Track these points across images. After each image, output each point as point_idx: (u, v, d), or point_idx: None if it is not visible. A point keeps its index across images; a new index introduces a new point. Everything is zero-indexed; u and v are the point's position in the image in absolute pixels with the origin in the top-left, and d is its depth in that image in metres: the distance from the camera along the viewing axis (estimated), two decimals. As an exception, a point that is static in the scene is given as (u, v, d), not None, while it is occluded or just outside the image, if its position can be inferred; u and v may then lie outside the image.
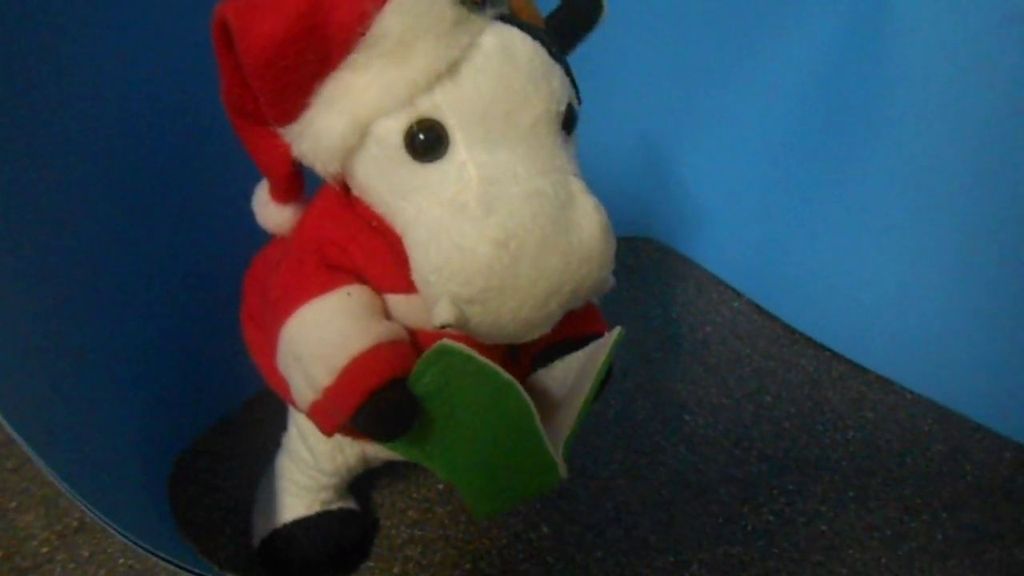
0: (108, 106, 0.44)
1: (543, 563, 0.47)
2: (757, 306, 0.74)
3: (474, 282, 0.28)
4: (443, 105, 0.29)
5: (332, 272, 0.34)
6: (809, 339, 0.69)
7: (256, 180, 0.39)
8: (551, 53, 0.32)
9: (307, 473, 0.44)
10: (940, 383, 0.62)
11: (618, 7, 0.37)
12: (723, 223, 0.79)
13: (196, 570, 0.36)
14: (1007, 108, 0.54)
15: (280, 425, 0.46)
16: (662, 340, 0.69)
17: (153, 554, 0.35)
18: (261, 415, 0.57)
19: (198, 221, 0.51)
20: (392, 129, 0.30)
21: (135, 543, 0.35)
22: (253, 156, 0.35)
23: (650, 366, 0.65)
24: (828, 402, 0.62)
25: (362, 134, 0.30)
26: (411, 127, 0.30)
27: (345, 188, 0.34)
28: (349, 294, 0.33)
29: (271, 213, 0.38)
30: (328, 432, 0.33)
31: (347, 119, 0.30)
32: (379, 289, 0.34)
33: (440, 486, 0.52)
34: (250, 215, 0.39)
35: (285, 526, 0.45)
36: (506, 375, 0.31)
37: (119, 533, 0.35)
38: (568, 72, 0.33)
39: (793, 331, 0.71)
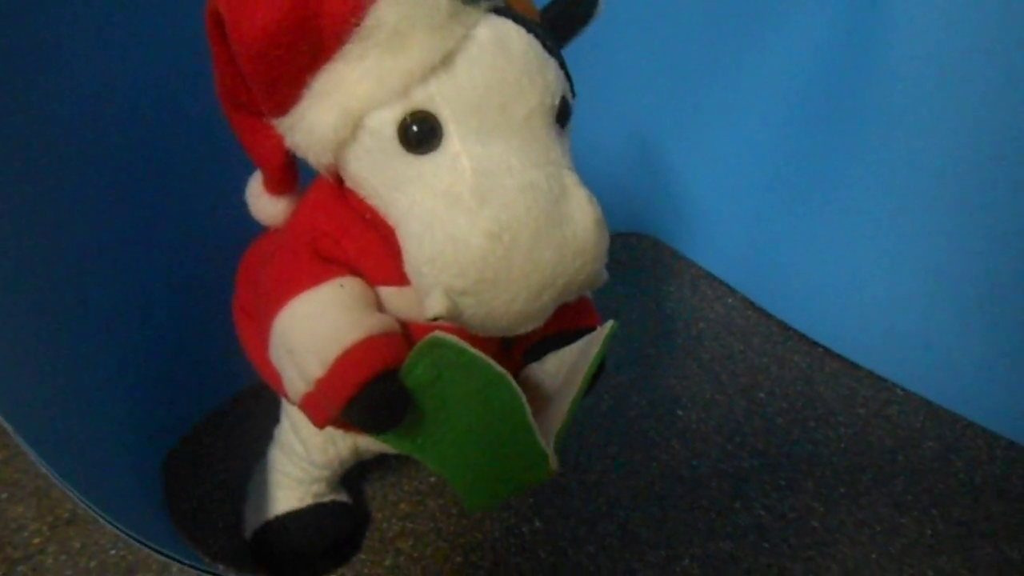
0: (98, 99, 0.44)
1: (535, 557, 0.47)
2: (751, 303, 0.74)
3: (467, 274, 0.28)
4: (437, 97, 0.29)
5: (325, 264, 0.34)
6: (802, 336, 0.70)
7: (249, 172, 0.39)
8: (546, 46, 0.32)
9: (299, 465, 0.44)
10: (931, 380, 0.62)
11: (614, 2, 0.37)
12: (717, 219, 0.79)
13: (187, 561, 0.36)
14: (1001, 108, 0.54)
15: (272, 417, 0.46)
16: (656, 336, 0.69)
17: (145, 545, 0.35)
18: (253, 407, 0.57)
19: (190, 213, 0.51)
20: (386, 121, 0.30)
21: (127, 534, 0.35)
22: (246, 147, 0.35)
23: (643, 361, 0.66)
24: (820, 398, 0.62)
25: (355, 126, 0.30)
26: (405, 119, 0.29)
27: (338, 180, 0.34)
28: (342, 286, 0.33)
29: (264, 205, 0.38)
30: (320, 424, 0.33)
31: (340, 111, 0.30)
32: (372, 281, 0.34)
33: (432, 479, 0.52)
34: (243, 207, 0.39)
35: (277, 518, 0.45)
36: (498, 367, 0.31)
37: (111, 524, 0.35)
38: (563, 65, 0.33)
39: (786, 327, 0.71)
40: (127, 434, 0.48)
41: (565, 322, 0.37)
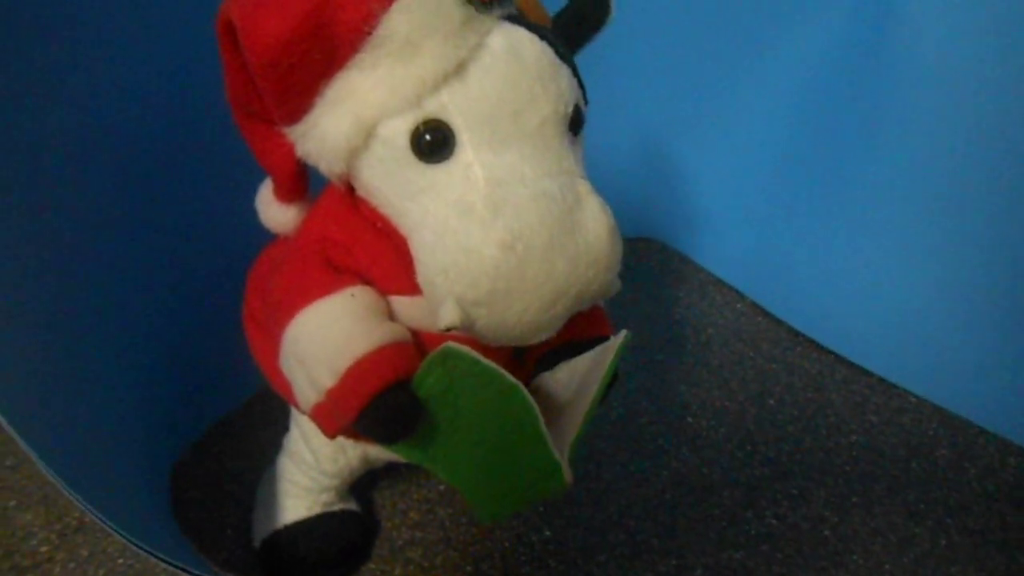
0: (110, 104, 0.44)
1: (545, 566, 0.47)
2: (760, 308, 0.74)
3: (480, 284, 0.28)
4: (450, 106, 0.29)
5: (336, 273, 0.34)
6: (812, 341, 0.69)
7: (260, 179, 0.39)
8: (558, 53, 0.31)
9: (308, 474, 0.44)
10: (944, 387, 0.62)
11: (622, 7, 0.36)
12: (726, 224, 0.78)
13: (196, 571, 0.36)
14: (1015, 111, 0.54)
15: (281, 425, 0.46)
16: (664, 342, 0.69)
17: (153, 555, 0.35)
18: (262, 415, 0.57)
19: (200, 219, 0.51)
20: (398, 130, 0.29)
21: (134, 543, 0.35)
22: (257, 155, 0.35)
23: (653, 368, 0.65)
24: (831, 405, 0.61)
25: (367, 135, 0.30)
26: (417, 128, 0.29)
27: (350, 188, 0.33)
28: (353, 295, 0.33)
29: (275, 212, 0.38)
30: (331, 434, 0.33)
31: (352, 119, 0.30)
32: (383, 290, 0.34)
33: (441, 487, 0.52)
34: (253, 214, 0.39)
35: (286, 527, 0.44)
36: (511, 378, 0.31)
37: (118, 533, 0.35)
38: (575, 73, 0.33)
39: (796, 333, 0.70)
40: (135, 442, 0.47)
41: (577, 331, 0.36)
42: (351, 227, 0.34)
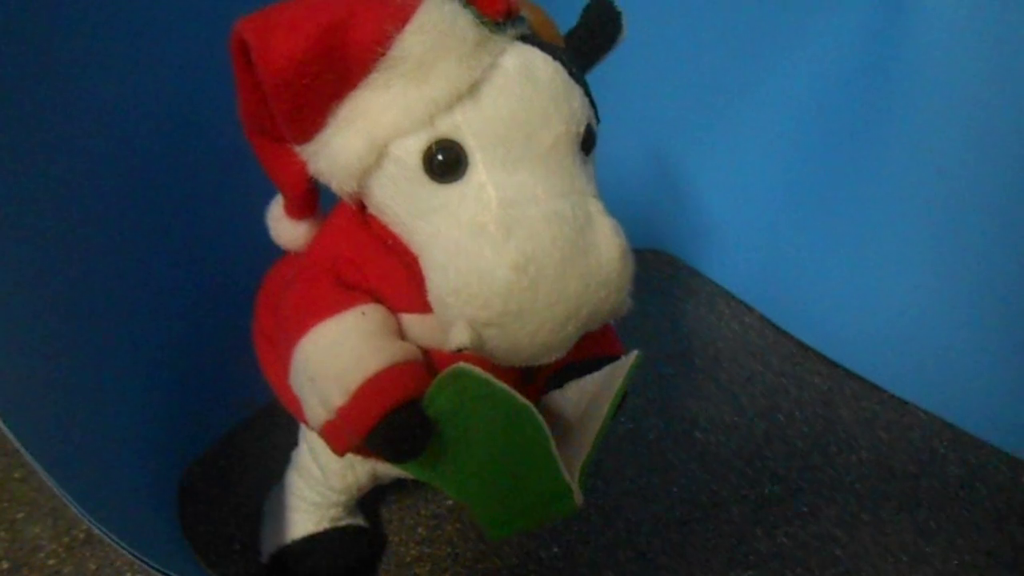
0: (122, 118, 0.44)
1: (553, 583, 0.46)
2: (768, 321, 0.74)
3: (492, 306, 0.28)
4: (463, 126, 0.29)
5: (346, 291, 0.33)
6: (821, 356, 0.69)
7: (271, 195, 0.39)
8: (571, 73, 0.31)
9: (316, 490, 0.44)
10: (955, 404, 0.61)
11: (631, 23, 0.36)
12: (734, 236, 0.78)
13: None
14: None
15: (289, 439, 0.46)
16: (672, 356, 0.69)
17: (160, 570, 0.35)
18: (270, 430, 0.57)
19: (210, 235, 0.51)
20: (411, 149, 0.29)
21: (142, 559, 0.35)
22: (269, 172, 0.35)
23: (660, 382, 0.65)
24: (841, 421, 0.61)
25: (380, 154, 0.30)
26: (430, 147, 0.29)
27: (361, 206, 0.33)
28: (363, 313, 0.32)
29: (285, 228, 0.38)
30: (340, 452, 0.33)
31: (365, 139, 0.30)
32: (393, 308, 0.34)
33: (449, 503, 0.52)
34: (263, 229, 0.39)
35: (294, 542, 0.44)
36: (522, 399, 0.31)
37: (126, 549, 0.35)
38: (587, 92, 0.33)
39: (804, 347, 0.70)
40: (143, 456, 0.47)
41: (587, 350, 0.36)
42: (362, 245, 0.34)
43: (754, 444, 0.58)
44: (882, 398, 0.64)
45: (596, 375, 0.36)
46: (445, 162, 0.29)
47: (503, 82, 0.29)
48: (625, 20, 0.36)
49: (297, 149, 0.32)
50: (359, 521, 0.47)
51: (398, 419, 0.30)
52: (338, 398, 0.31)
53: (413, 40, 0.28)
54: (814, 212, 0.69)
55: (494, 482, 0.33)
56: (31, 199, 0.39)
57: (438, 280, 0.29)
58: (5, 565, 0.46)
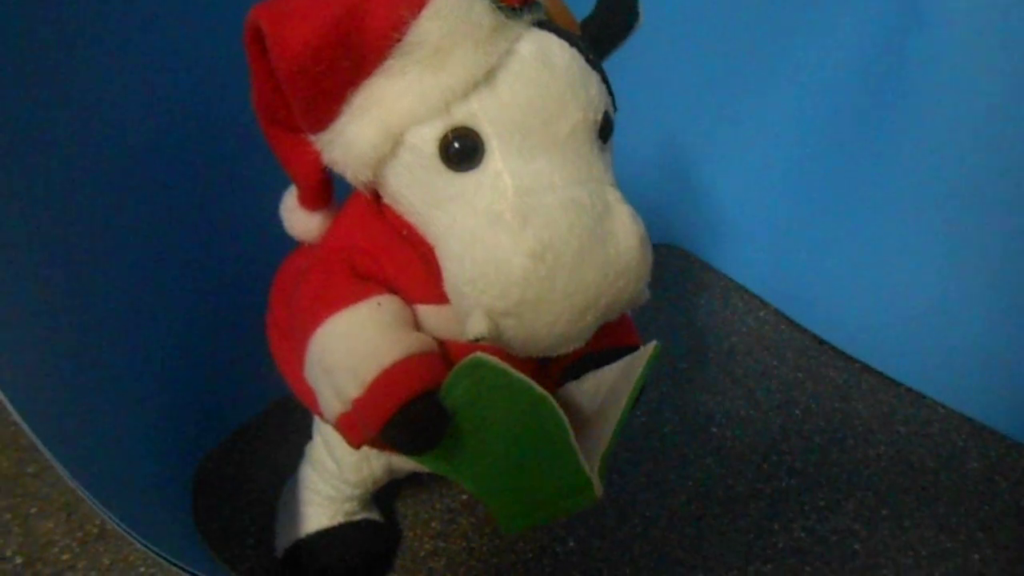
0: (136, 111, 0.44)
1: (569, 578, 0.46)
2: (783, 316, 0.73)
3: (509, 295, 0.28)
4: (479, 113, 0.29)
5: (362, 282, 0.33)
6: (837, 350, 0.68)
7: (284, 186, 0.38)
8: (588, 60, 0.31)
9: (331, 483, 0.43)
10: (974, 397, 0.61)
11: (645, 16, 0.36)
12: (747, 231, 0.78)
13: (218, 582, 0.35)
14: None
15: (303, 433, 0.45)
16: (687, 350, 0.68)
17: (174, 564, 0.35)
18: (284, 423, 0.56)
19: (224, 227, 0.51)
20: (427, 137, 0.29)
21: (156, 552, 0.35)
22: (283, 162, 0.35)
23: (675, 376, 0.64)
24: (858, 416, 0.61)
25: (395, 142, 0.30)
26: (446, 135, 0.29)
27: (376, 196, 0.33)
28: (379, 304, 0.32)
29: (299, 220, 0.38)
30: (356, 445, 0.32)
31: (380, 127, 0.29)
32: (409, 299, 0.33)
33: (464, 497, 0.51)
34: (277, 221, 0.39)
35: (308, 536, 0.44)
36: (540, 389, 0.30)
37: (140, 542, 0.34)
38: (604, 79, 0.33)
39: (820, 341, 0.69)
40: (156, 450, 0.47)
41: (604, 341, 0.35)
42: (377, 235, 0.34)
43: (770, 439, 0.58)
44: (899, 392, 0.63)
45: (614, 366, 0.35)
46: (461, 150, 0.29)
47: (520, 68, 0.29)
48: (642, 7, 0.35)
49: (311, 138, 0.32)
50: (374, 515, 0.46)
51: (414, 411, 0.30)
52: (353, 390, 0.30)
53: (429, 25, 0.27)
54: (829, 205, 0.68)
55: (511, 474, 0.32)
56: (42, 196, 0.38)
57: (454, 270, 0.29)
58: (19, 560, 0.46)
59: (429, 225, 0.30)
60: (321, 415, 0.34)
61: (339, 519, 0.44)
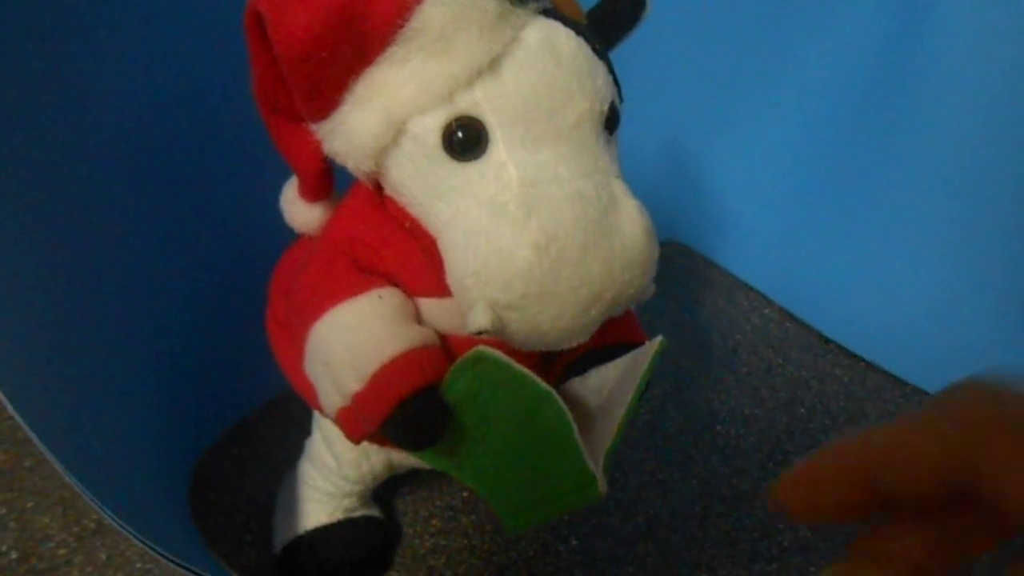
0: (133, 104, 0.43)
1: (571, 577, 0.46)
2: (788, 313, 0.72)
3: (513, 288, 0.27)
4: (483, 102, 0.28)
5: (363, 274, 0.33)
6: (843, 348, 0.68)
7: (284, 177, 0.38)
8: (595, 50, 0.30)
9: (331, 480, 0.43)
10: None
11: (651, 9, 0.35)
12: (752, 227, 0.77)
13: (215, 578, 0.35)
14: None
15: (302, 429, 0.45)
16: (691, 348, 0.68)
17: (171, 560, 0.34)
18: (283, 418, 0.56)
19: (222, 220, 0.50)
20: (429, 127, 0.28)
21: (153, 548, 0.34)
22: (283, 152, 0.34)
23: (679, 374, 0.64)
24: (864, 415, 0.60)
25: (397, 132, 0.29)
26: (449, 124, 0.28)
27: (378, 187, 0.32)
28: (380, 297, 0.32)
29: (299, 211, 0.37)
30: (356, 439, 0.32)
31: (382, 116, 0.29)
32: (411, 292, 0.33)
33: (465, 494, 0.51)
34: (277, 214, 0.38)
35: (307, 533, 0.44)
36: (544, 384, 0.30)
37: (136, 538, 0.34)
38: (611, 70, 0.32)
39: (826, 340, 0.69)
40: (154, 446, 0.47)
41: (609, 336, 0.35)
42: (378, 227, 0.33)
43: (775, 437, 0.57)
44: (905, 391, 0.63)
45: (619, 362, 0.35)
46: (465, 140, 0.28)
47: (525, 57, 0.28)
48: (649, -2, 0.35)
49: (312, 128, 0.31)
50: (373, 512, 0.46)
51: (415, 405, 0.29)
52: (354, 384, 0.30)
53: (434, 11, 0.27)
54: (834, 202, 0.68)
55: (514, 470, 0.32)
56: (41, 194, 0.38)
57: (457, 262, 0.28)
58: (14, 555, 0.45)
59: (431, 216, 0.30)
60: (320, 410, 0.34)
61: (338, 515, 0.44)
